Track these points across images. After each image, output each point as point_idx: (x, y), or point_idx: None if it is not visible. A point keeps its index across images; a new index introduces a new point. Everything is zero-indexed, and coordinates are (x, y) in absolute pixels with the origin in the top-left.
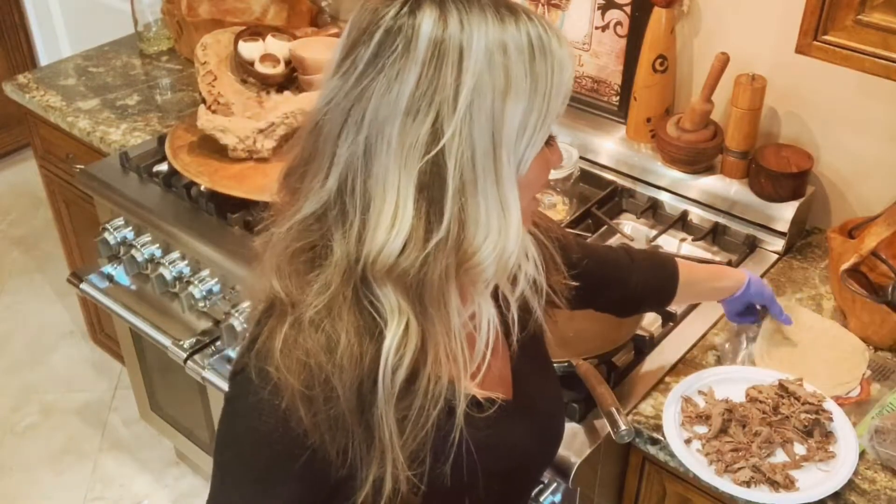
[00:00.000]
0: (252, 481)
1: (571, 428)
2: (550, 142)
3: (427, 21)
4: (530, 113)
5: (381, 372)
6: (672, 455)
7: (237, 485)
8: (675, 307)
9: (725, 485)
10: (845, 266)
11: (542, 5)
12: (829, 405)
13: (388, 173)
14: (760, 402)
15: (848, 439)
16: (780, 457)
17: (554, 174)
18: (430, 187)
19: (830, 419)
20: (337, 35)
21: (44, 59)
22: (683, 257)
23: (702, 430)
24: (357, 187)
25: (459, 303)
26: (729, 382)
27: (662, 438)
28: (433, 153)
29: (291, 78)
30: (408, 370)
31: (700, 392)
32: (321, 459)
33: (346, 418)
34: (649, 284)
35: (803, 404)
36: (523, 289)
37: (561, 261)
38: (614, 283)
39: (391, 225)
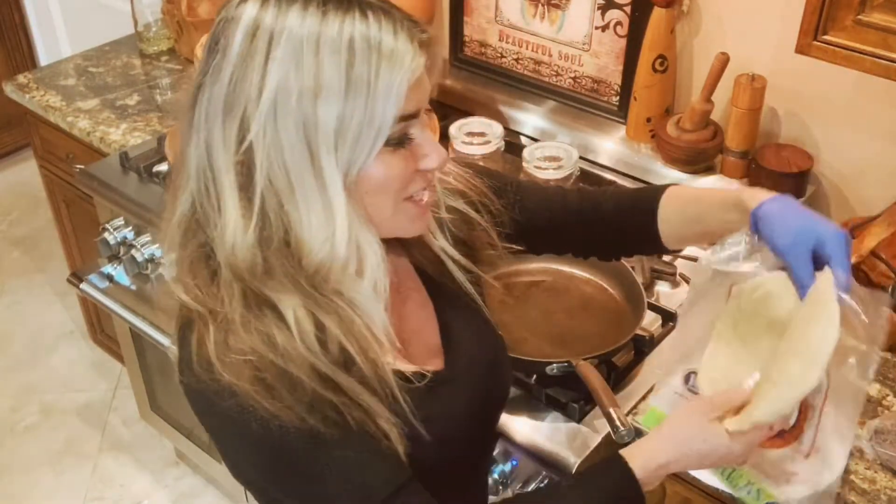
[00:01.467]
0: (303, 487)
1: (571, 428)
2: (405, 142)
3: (248, 12)
4: (349, 117)
5: (307, 353)
6: None
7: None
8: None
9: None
10: None
11: (542, 5)
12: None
13: (221, 174)
14: None
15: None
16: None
17: (554, 174)
18: (248, 188)
19: None
20: None
21: (44, 59)
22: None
23: None
24: (210, 189)
25: (336, 286)
26: None
27: None
28: (242, 151)
29: None
30: (331, 351)
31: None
32: (339, 430)
33: (322, 395)
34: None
35: None
36: (372, 284)
37: (495, 233)
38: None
39: (232, 226)
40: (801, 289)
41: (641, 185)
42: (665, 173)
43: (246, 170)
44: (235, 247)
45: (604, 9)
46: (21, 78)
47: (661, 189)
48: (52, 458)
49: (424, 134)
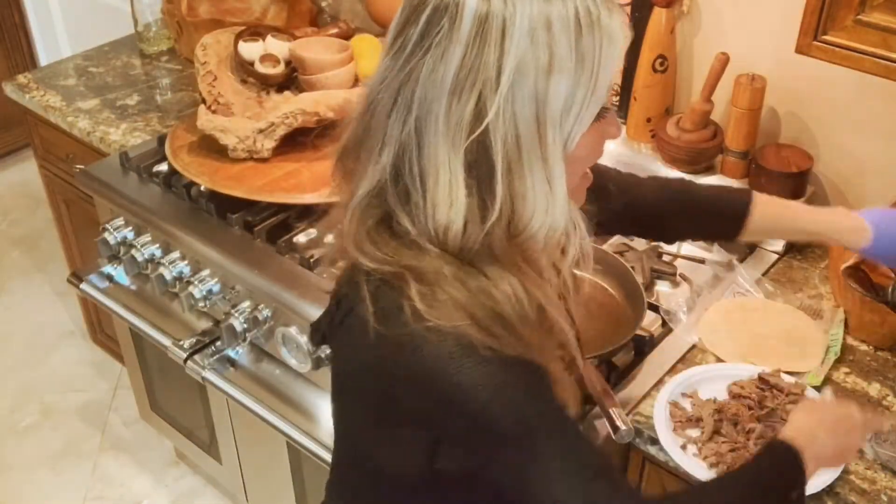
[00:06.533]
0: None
1: None
2: (603, 114)
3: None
4: (576, 89)
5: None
6: (671, 457)
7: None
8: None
9: None
10: (846, 265)
11: None
12: (811, 393)
13: (437, 152)
14: (744, 397)
15: None
16: None
17: None
18: (478, 166)
19: None
20: (337, 35)
21: (44, 59)
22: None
23: (694, 433)
24: (413, 166)
25: (537, 272)
26: (710, 381)
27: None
28: (478, 133)
29: (291, 78)
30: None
31: (684, 395)
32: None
33: (539, 340)
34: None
35: (787, 395)
36: (573, 259)
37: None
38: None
39: (449, 204)
40: None
41: None
42: (665, 173)
43: (480, 148)
44: (450, 226)
45: None
46: (21, 78)
47: (747, 198)
48: (52, 458)
49: (611, 107)
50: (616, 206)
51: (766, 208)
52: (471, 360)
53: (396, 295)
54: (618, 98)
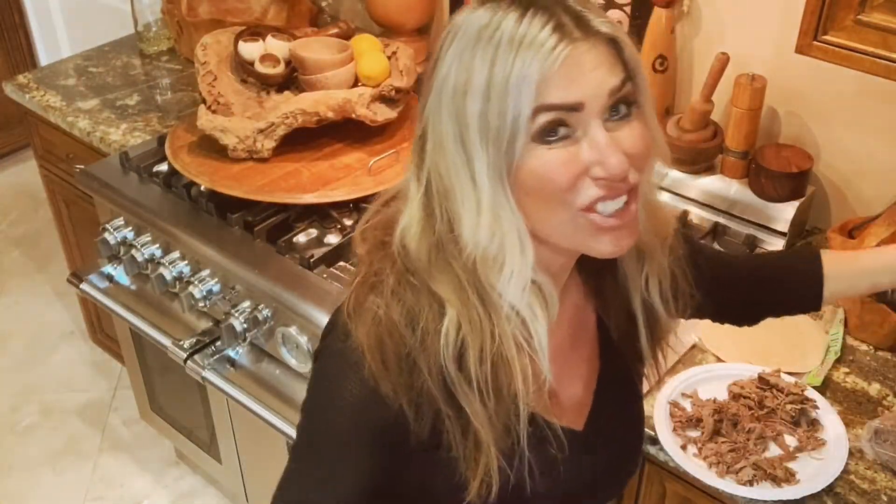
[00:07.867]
0: (330, 442)
1: None
2: (564, 139)
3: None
4: (490, 112)
5: (442, 357)
6: (672, 457)
7: (313, 446)
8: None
9: (730, 486)
10: None
11: None
12: (811, 393)
13: (412, 165)
14: (745, 397)
15: (835, 425)
16: (773, 451)
17: None
18: (428, 183)
19: (815, 407)
20: (337, 35)
21: (44, 59)
22: None
23: (694, 433)
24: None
25: (506, 305)
26: (710, 381)
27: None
28: (419, 135)
29: (291, 78)
30: (468, 363)
31: (684, 395)
32: (403, 429)
33: (432, 394)
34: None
35: (787, 395)
36: (517, 302)
37: (691, 278)
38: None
39: (409, 216)
40: None
41: None
42: (665, 173)
43: (420, 159)
44: (405, 236)
45: (604, 9)
46: (21, 78)
47: (816, 257)
48: (52, 458)
49: (597, 135)
50: (709, 285)
51: (837, 261)
52: (352, 376)
53: (353, 287)
54: None
